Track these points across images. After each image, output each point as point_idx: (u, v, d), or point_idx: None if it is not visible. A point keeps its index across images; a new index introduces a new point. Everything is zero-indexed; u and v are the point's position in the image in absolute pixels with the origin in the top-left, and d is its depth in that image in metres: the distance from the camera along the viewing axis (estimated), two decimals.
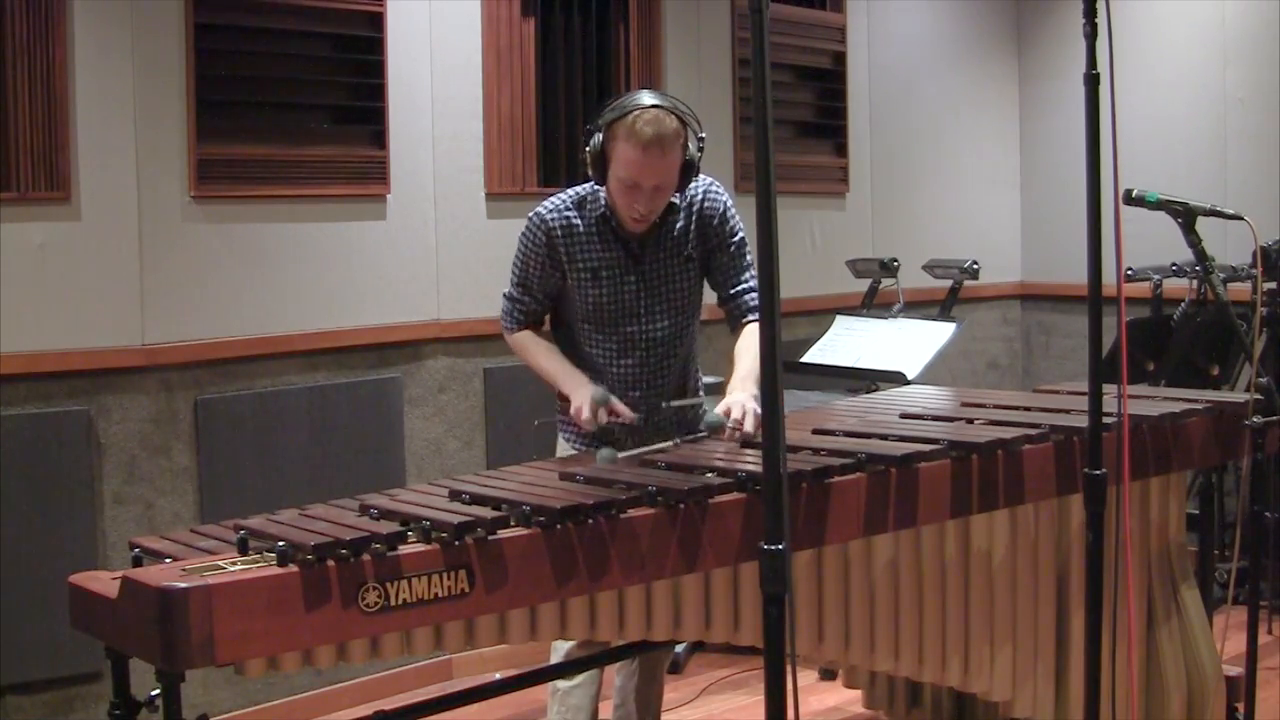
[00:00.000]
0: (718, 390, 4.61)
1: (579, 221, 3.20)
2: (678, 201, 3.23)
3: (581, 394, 3.12)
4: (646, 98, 3.07)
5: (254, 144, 4.25)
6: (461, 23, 4.67)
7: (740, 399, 3.04)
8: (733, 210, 3.31)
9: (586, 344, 3.29)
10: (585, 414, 3.06)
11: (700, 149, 3.14)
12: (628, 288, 3.23)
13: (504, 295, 3.34)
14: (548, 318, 3.40)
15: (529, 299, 3.30)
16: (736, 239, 3.32)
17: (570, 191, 3.26)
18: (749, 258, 3.33)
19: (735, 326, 3.35)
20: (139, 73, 3.96)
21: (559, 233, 3.19)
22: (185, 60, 4.04)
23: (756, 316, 3.23)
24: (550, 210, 3.22)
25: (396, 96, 4.50)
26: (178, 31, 4.03)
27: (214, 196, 4.13)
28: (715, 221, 3.29)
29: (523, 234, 3.25)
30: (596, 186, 3.20)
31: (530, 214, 3.25)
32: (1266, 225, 4.89)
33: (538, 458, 3.29)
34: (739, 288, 3.32)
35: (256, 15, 4.23)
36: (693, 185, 3.25)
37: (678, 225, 3.25)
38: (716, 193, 3.30)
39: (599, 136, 3.09)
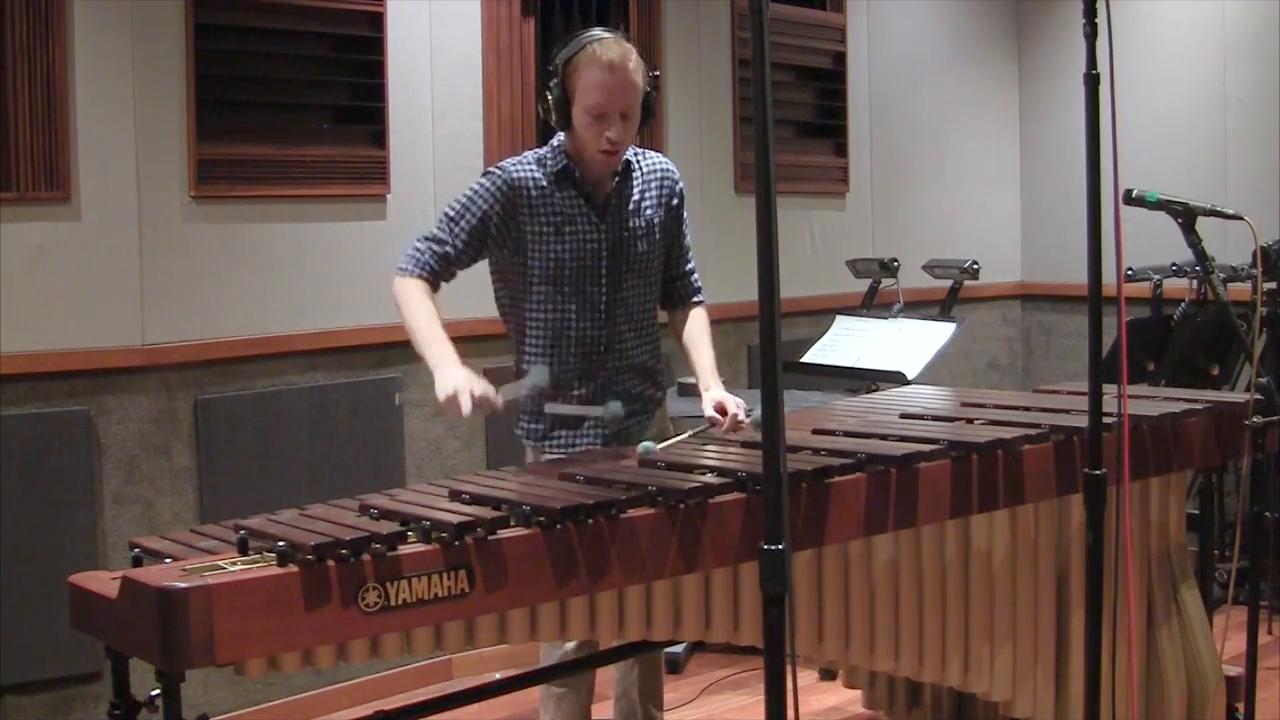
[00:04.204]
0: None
1: (540, 175, 3.18)
2: (634, 162, 3.26)
3: (446, 375, 2.92)
4: (595, 31, 3.12)
5: (254, 144, 4.25)
6: (461, 23, 4.68)
7: (723, 395, 3.10)
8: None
9: (543, 309, 3.21)
10: (463, 401, 2.84)
11: (655, 88, 3.16)
12: (590, 244, 3.19)
13: (418, 238, 3.17)
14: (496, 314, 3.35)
15: (446, 241, 3.13)
16: (685, 219, 3.38)
17: (527, 153, 3.25)
18: (690, 238, 3.40)
19: (679, 305, 3.39)
20: (139, 73, 3.96)
21: (524, 185, 3.15)
22: (185, 60, 4.04)
23: (701, 299, 3.38)
24: (513, 164, 3.19)
25: (396, 96, 4.51)
26: (178, 31, 4.03)
27: (214, 196, 4.13)
28: (676, 201, 3.33)
29: (477, 182, 3.18)
30: (555, 144, 3.20)
31: (491, 167, 3.21)
32: (1266, 225, 4.89)
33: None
34: (687, 268, 3.39)
35: (256, 15, 4.24)
36: (650, 158, 3.32)
37: (637, 187, 3.26)
38: (675, 172, 3.34)
39: (556, 80, 3.09)
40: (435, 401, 2.93)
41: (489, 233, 3.17)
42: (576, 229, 3.18)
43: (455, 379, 2.90)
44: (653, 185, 3.29)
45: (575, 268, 3.18)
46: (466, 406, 2.86)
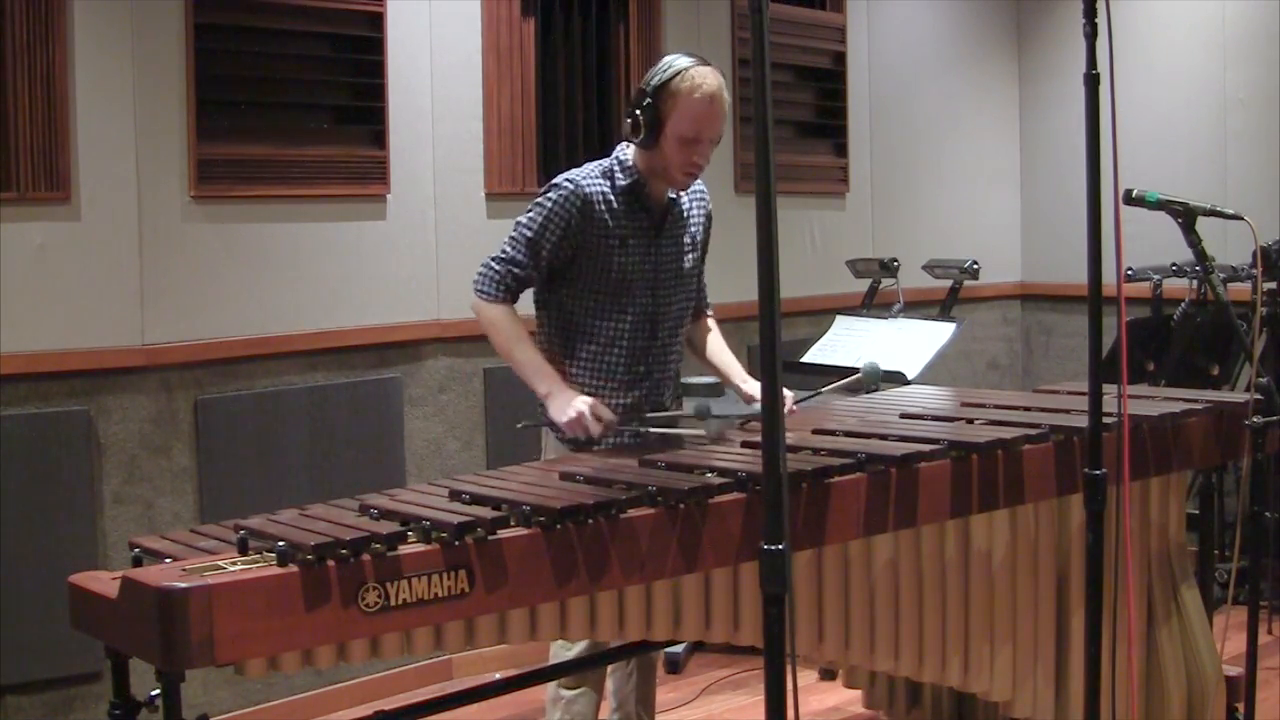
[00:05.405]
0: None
1: (608, 189, 3.22)
2: None
3: (568, 398, 3.10)
4: (687, 59, 3.17)
5: (254, 144, 4.25)
6: (461, 23, 4.68)
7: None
8: None
9: (597, 319, 3.25)
10: (590, 422, 3.06)
11: None
12: (649, 258, 3.26)
13: (493, 260, 3.21)
14: (532, 302, 3.36)
15: (529, 266, 3.19)
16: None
17: (590, 165, 3.28)
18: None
19: (694, 318, 3.48)
20: (139, 73, 3.96)
21: (595, 200, 3.18)
22: (185, 60, 4.04)
23: (711, 310, 3.54)
24: (584, 177, 3.21)
25: (396, 96, 4.51)
26: (178, 31, 4.03)
27: (214, 196, 4.13)
28: (708, 222, 3.45)
29: (549, 199, 3.18)
30: (620, 158, 3.24)
31: (559, 180, 3.21)
32: (1266, 225, 4.90)
33: (537, 458, 3.29)
34: (702, 281, 3.51)
35: (256, 15, 4.23)
36: None
37: (685, 204, 3.36)
38: (708, 192, 3.46)
39: (649, 102, 3.13)
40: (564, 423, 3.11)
41: (565, 246, 3.19)
42: (640, 243, 3.24)
43: (578, 402, 3.09)
44: (696, 204, 3.39)
45: (634, 281, 3.24)
46: (596, 429, 3.07)
